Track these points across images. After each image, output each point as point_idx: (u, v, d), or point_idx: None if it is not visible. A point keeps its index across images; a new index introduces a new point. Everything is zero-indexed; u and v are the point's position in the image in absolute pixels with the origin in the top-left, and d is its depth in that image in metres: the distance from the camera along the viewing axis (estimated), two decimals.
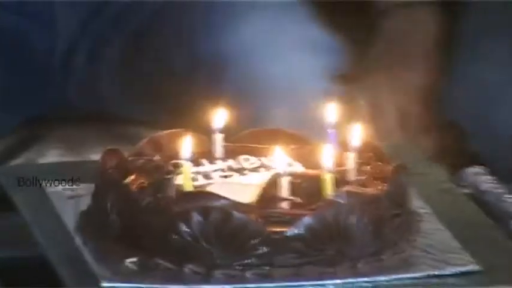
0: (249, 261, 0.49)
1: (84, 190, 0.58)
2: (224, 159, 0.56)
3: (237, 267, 0.49)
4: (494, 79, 1.01)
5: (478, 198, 0.64)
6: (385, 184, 0.53)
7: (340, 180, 0.52)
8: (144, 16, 0.99)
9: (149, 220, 0.51)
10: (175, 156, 0.54)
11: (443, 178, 0.65)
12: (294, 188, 0.52)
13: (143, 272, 0.49)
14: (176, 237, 0.50)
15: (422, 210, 0.58)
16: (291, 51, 0.96)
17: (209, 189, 0.53)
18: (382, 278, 0.50)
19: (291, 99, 0.89)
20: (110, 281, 0.48)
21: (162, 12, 0.99)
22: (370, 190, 0.52)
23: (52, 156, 0.78)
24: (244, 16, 0.97)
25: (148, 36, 0.99)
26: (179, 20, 0.99)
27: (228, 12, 0.97)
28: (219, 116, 0.57)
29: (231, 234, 0.50)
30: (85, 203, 0.56)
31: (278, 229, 0.49)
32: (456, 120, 1.03)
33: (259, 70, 0.94)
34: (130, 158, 0.55)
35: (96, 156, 0.64)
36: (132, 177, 0.54)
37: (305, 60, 0.96)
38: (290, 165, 0.54)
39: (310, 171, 0.53)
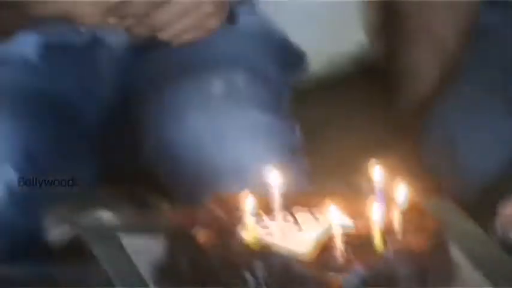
0: None
1: (156, 242, 0.65)
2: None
3: None
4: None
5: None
6: (428, 238, 0.59)
7: (388, 234, 0.59)
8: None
9: (217, 271, 0.58)
10: (240, 212, 0.61)
11: (479, 230, 0.71)
12: (347, 242, 0.58)
13: None
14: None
15: (461, 262, 0.63)
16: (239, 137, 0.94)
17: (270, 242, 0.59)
18: None
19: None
20: None
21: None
22: (414, 244, 0.59)
23: (127, 209, 0.85)
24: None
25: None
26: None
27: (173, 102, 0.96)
28: None
29: (291, 282, 0.56)
30: (158, 254, 0.63)
31: (334, 278, 0.56)
32: None
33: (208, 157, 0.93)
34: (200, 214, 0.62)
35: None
36: (202, 231, 0.61)
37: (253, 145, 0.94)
38: (342, 220, 0.60)
39: (361, 226, 0.59)
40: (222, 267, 0.58)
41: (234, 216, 0.61)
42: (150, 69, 1.02)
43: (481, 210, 0.79)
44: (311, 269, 0.56)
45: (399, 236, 0.58)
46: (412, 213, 0.60)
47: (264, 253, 0.57)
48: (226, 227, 0.61)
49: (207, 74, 0.97)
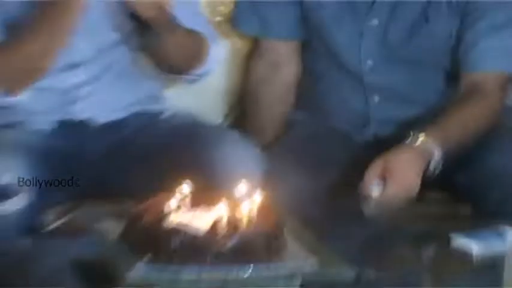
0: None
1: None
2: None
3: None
4: None
5: None
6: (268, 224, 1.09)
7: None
8: None
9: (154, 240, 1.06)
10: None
11: None
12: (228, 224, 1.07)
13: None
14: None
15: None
16: None
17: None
18: None
19: None
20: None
21: None
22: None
23: None
24: None
25: None
26: None
27: None
28: None
29: (196, 246, 1.05)
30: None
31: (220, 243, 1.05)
32: None
33: None
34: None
35: None
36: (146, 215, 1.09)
37: None
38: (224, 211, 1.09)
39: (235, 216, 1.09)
40: (157, 237, 1.05)
41: (166, 208, 1.09)
42: None
43: None
44: (206, 238, 1.04)
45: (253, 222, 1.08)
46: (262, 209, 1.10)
47: (181, 228, 1.05)
48: (162, 213, 1.08)
49: None
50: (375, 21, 1.55)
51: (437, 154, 1.38)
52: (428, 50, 1.56)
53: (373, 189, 1.36)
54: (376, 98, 1.59)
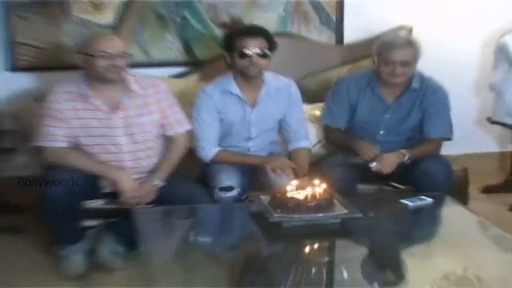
0: None
1: None
2: None
3: None
4: None
5: None
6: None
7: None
8: None
9: None
10: None
11: None
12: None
13: None
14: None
15: None
16: None
17: None
18: None
19: None
20: None
21: None
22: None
23: None
24: None
25: None
26: None
27: None
28: None
29: None
30: None
31: None
32: None
33: None
34: None
35: None
36: None
37: None
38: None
39: None
40: (284, 200, 2.71)
41: (288, 190, 2.75)
42: None
43: None
44: (303, 202, 2.71)
45: (321, 195, 2.72)
46: (324, 190, 2.74)
47: (293, 197, 2.70)
48: (286, 191, 2.74)
49: None
50: (387, 116, 3.36)
51: (407, 156, 3.18)
52: (408, 128, 3.38)
53: (373, 164, 3.15)
54: (378, 146, 3.33)
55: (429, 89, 3.31)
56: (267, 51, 3.19)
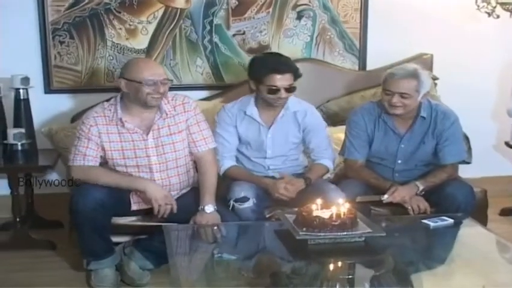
0: None
1: None
2: None
3: None
4: None
5: None
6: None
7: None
8: None
9: None
10: None
11: None
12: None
13: None
14: None
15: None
16: None
17: None
18: None
19: None
20: None
21: None
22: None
23: None
24: None
25: None
26: None
27: None
28: None
29: None
30: None
31: None
32: None
33: None
34: None
35: None
36: None
37: None
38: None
39: None
40: (310, 219, 2.82)
41: (314, 209, 2.87)
42: None
43: None
44: (328, 220, 2.82)
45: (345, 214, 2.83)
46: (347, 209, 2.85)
47: (319, 215, 2.82)
48: (311, 211, 2.86)
49: None
50: (402, 146, 3.42)
51: (421, 188, 3.28)
52: (425, 155, 3.44)
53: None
54: (397, 175, 3.47)
55: (439, 115, 3.36)
56: (293, 85, 3.30)
